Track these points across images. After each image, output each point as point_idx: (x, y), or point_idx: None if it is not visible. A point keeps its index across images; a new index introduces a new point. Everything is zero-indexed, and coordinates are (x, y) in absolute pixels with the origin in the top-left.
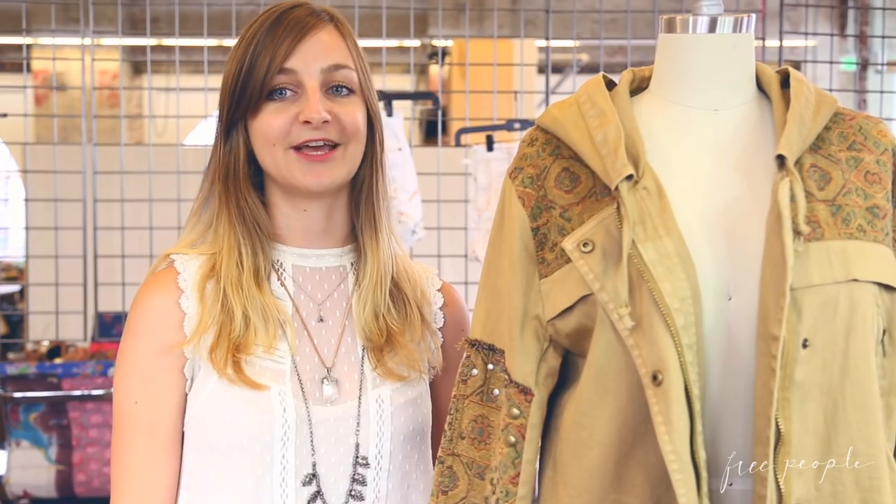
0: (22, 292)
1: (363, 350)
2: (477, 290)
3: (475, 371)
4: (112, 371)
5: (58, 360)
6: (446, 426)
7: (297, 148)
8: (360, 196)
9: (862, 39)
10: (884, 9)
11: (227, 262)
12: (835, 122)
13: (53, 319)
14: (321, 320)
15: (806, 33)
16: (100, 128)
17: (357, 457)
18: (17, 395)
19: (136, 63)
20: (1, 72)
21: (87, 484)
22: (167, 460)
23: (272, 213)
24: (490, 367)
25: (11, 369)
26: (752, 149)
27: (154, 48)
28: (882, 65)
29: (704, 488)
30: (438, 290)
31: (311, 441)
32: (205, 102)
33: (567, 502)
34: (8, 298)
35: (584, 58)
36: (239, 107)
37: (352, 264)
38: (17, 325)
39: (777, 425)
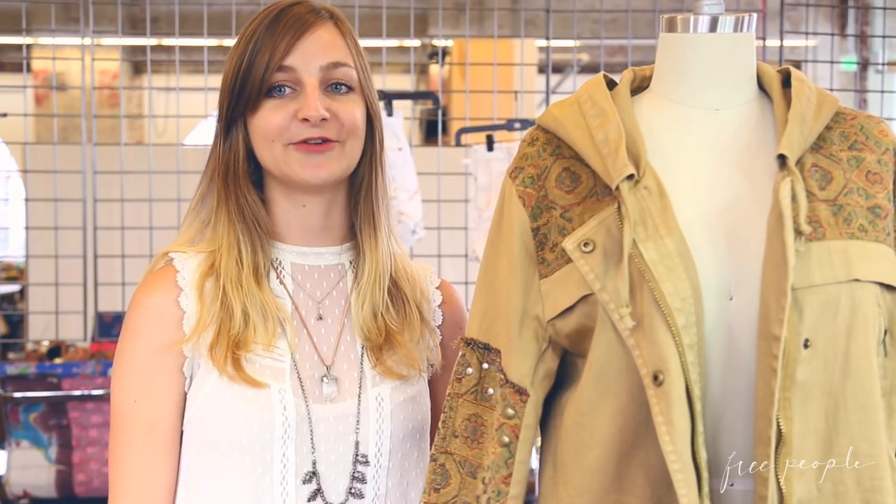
0: (22, 292)
1: (362, 348)
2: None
3: (470, 370)
4: (112, 371)
5: (58, 360)
6: (440, 424)
7: (296, 145)
8: (359, 194)
9: (862, 39)
10: (884, 8)
11: (227, 260)
12: (836, 122)
13: (53, 319)
14: (320, 318)
15: (806, 33)
16: (100, 128)
17: (357, 454)
18: (17, 395)
19: (136, 63)
20: (1, 72)
21: (87, 484)
22: (166, 459)
23: (271, 211)
24: (485, 366)
25: (11, 369)
26: (753, 148)
27: (154, 48)
28: (882, 64)
29: (705, 488)
30: (437, 288)
31: (311, 439)
32: (205, 102)
33: (567, 502)
34: (8, 298)
35: (585, 57)
36: (238, 104)
37: (350, 262)
38: (17, 325)
39: (778, 425)
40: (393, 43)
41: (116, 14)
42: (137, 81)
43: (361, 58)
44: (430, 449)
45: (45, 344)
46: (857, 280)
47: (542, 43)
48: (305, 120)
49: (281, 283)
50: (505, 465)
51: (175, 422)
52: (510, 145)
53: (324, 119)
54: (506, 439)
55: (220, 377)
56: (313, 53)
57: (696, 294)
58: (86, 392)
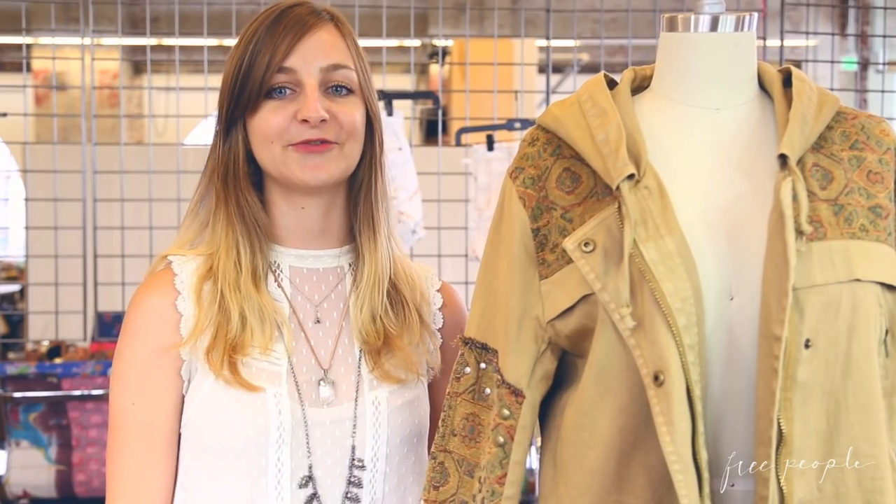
0: (22, 292)
1: (360, 352)
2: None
3: (468, 369)
4: (111, 372)
5: (58, 360)
6: (440, 422)
7: (295, 146)
8: (359, 196)
9: (863, 39)
10: (885, 8)
11: (225, 262)
12: (837, 122)
13: (53, 319)
14: (318, 322)
15: (807, 33)
16: (100, 127)
17: (353, 459)
18: (17, 395)
19: (136, 63)
20: (1, 71)
21: (87, 484)
22: (163, 461)
23: (270, 213)
24: (482, 365)
25: (11, 369)
26: (753, 148)
27: (154, 48)
28: (883, 64)
29: (706, 489)
30: (438, 291)
31: (307, 443)
32: (205, 102)
33: (568, 503)
34: (8, 298)
35: (585, 57)
36: (238, 105)
37: (350, 265)
38: (17, 324)
39: (779, 426)
40: (393, 43)
41: (116, 14)
42: (137, 81)
43: (362, 60)
44: (431, 449)
45: (45, 344)
46: (858, 280)
47: (543, 43)
48: (305, 121)
49: (279, 286)
50: (500, 465)
51: (172, 424)
52: (510, 145)
53: (323, 120)
54: (501, 440)
55: (217, 381)
56: (313, 55)
57: (697, 294)
58: (86, 392)
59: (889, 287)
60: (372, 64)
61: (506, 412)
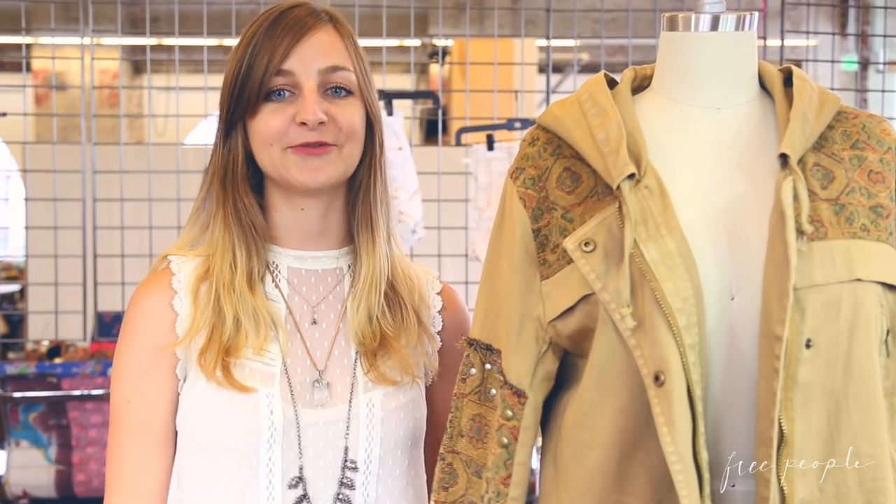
0: (22, 292)
1: (356, 353)
2: (477, 289)
3: (473, 370)
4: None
5: (57, 360)
6: (448, 424)
7: (294, 148)
8: (358, 197)
9: (863, 39)
10: (885, 8)
11: (221, 264)
12: (838, 121)
13: (53, 319)
14: (315, 323)
15: (807, 32)
16: (99, 127)
17: (346, 461)
18: (17, 394)
19: (136, 62)
20: (1, 71)
21: (87, 484)
22: (159, 459)
23: (270, 215)
24: (487, 366)
25: (11, 369)
26: (754, 147)
27: (154, 48)
28: (883, 64)
29: (707, 489)
30: (438, 294)
31: (299, 444)
32: (205, 102)
33: (568, 503)
34: (8, 298)
35: (585, 57)
36: (238, 107)
37: (349, 266)
38: (17, 324)
39: (780, 426)
40: (393, 42)
41: (116, 14)
42: (137, 81)
43: (361, 61)
44: (431, 453)
45: (45, 344)
46: (859, 280)
47: (543, 42)
48: (303, 124)
49: (276, 286)
50: (504, 466)
51: (169, 422)
52: (510, 145)
53: (321, 123)
54: (505, 440)
55: (209, 382)
56: (312, 57)
57: (698, 294)
58: (85, 392)
59: (890, 287)
60: (372, 64)
61: (509, 413)
